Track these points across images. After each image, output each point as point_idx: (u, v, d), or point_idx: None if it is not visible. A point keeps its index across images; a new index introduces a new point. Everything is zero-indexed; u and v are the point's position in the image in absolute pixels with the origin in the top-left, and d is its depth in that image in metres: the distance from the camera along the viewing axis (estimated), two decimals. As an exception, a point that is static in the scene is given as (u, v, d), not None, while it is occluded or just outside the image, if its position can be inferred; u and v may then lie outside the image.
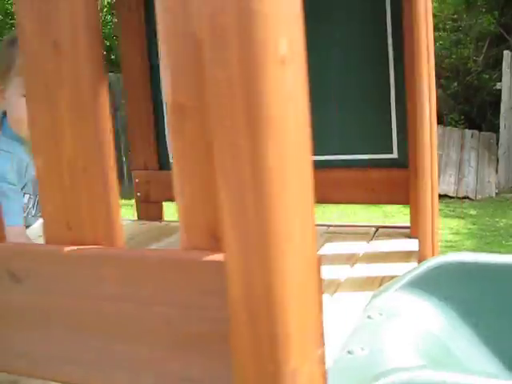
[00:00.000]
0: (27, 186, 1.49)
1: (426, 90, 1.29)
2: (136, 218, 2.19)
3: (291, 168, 0.48)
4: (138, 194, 2.15)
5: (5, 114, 1.48)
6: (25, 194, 1.49)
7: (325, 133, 1.74)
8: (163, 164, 2.10)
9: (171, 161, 1.59)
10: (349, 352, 0.75)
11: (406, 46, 1.55)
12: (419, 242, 1.37)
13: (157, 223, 2.09)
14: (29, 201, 1.51)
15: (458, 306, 0.91)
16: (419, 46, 1.28)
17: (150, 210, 2.16)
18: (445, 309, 0.91)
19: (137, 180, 2.15)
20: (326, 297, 1.21)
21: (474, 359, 0.87)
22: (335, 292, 1.26)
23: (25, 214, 1.50)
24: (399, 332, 0.82)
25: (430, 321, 0.89)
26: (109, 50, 7.44)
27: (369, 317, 0.86)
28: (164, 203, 2.18)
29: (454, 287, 0.92)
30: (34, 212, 1.54)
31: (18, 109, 1.32)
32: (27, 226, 1.51)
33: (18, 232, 1.41)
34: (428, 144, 1.31)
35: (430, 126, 1.30)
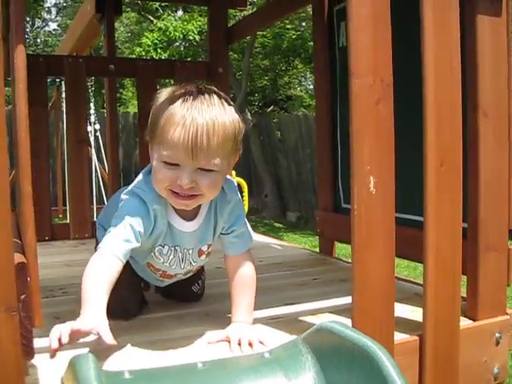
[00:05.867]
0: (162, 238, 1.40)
1: None
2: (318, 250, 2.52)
3: None
4: (318, 230, 2.47)
5: None
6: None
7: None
8: (337, 207, 2.36)
9: (343, 206, 2.09)
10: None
11: None
12: None
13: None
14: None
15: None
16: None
17: (325, 245, 2.45)
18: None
19: (317, 218, 2.47)
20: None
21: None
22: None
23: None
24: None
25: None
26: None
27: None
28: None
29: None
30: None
31: (158, 173, 1.28)
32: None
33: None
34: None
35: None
